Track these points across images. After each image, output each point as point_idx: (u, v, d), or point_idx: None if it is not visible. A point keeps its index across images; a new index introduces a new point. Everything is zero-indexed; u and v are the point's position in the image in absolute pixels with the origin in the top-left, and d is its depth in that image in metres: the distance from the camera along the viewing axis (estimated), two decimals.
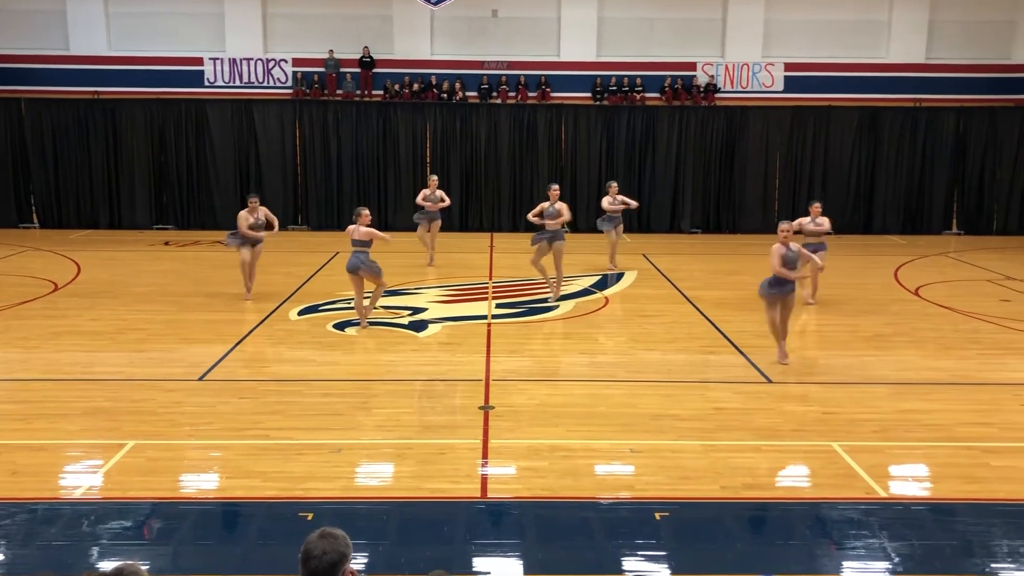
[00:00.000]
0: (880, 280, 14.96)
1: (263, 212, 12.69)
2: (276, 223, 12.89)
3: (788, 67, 27.61)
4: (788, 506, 6.48)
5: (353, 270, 10.99)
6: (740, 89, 27.63)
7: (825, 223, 12.43)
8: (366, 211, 11.21)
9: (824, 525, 6.23)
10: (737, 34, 27.47)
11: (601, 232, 15.46)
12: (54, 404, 8.38)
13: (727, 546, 5.95)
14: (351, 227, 11.10)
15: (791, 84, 27.38)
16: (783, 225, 9.82)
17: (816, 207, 12.52)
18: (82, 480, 6.77)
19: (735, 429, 7.92)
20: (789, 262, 9.62)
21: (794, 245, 9.79)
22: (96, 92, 24.79)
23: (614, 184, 15.34)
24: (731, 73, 27.69)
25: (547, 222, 12.57)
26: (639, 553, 5.79)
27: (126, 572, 2.76)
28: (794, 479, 7.08)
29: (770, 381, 9.34)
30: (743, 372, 9.71)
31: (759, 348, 10.53)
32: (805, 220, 12.41)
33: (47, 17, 27.63)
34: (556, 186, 13.06)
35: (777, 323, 9.86)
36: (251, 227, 12.44)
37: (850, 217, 20.35)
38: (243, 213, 12.53)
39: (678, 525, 6.18)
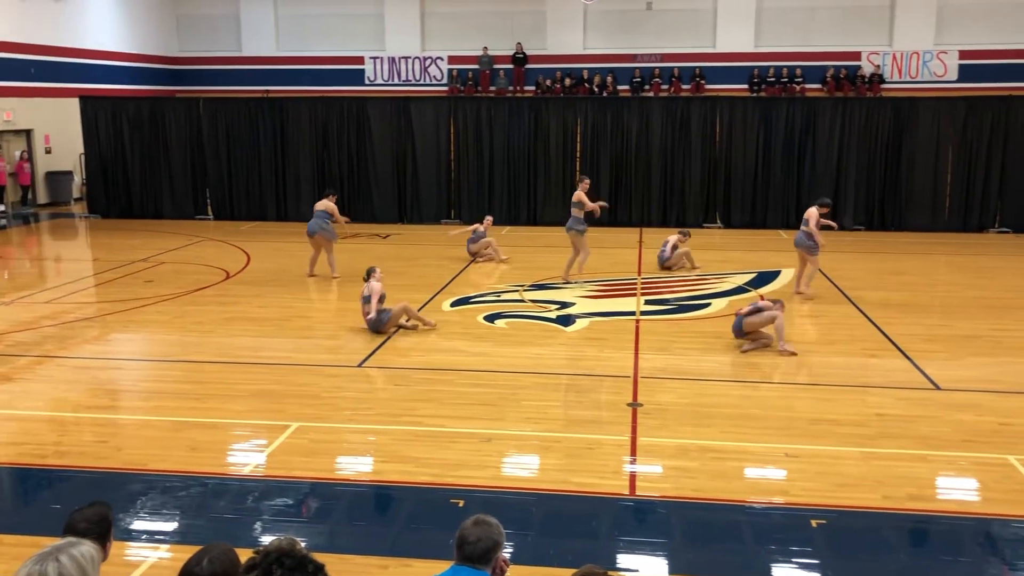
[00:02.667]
0: None
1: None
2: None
3: (963, 55, 26.03)
4: (956, 520, 6.10)
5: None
6: (909, 79, 26.27)
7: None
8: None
9: (996, 543, 5.84)
10: (907, 21, 26.09)
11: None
12: (225, 385, 8.91)
13: (889, 558, 5.66)
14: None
15: (966, 73, 25.78)
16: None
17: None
18: (250, 458, 7.17)
19: (898, 436, 7.52)
20: None
21: None
22: (265, 91, 26.23)
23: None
24: (899, 62, 26.36)
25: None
26: (793, 560, 5.60)
27: (284, 548, 2.90)
28: (964, 492, 6.66)
29: (938, 388, 8.82)
30: (907, 377, 9.21)
31: (926, 353, 9.97)
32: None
33: (223, 21, 29.47)
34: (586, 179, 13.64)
35: None
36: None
37: None
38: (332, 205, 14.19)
39: (836, 534, 5.94)
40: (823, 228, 12.65)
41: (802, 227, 12.60)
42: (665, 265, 14.73)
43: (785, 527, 5.99)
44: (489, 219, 16.50)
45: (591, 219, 13.28)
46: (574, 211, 13.06)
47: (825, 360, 9.81)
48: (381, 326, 10.72)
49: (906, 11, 26.16)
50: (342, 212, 15.12)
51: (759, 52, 26.98)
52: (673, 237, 14.98)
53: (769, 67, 26.72)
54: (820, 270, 13.06)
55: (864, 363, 9.77)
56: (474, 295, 12.90)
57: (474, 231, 15.85)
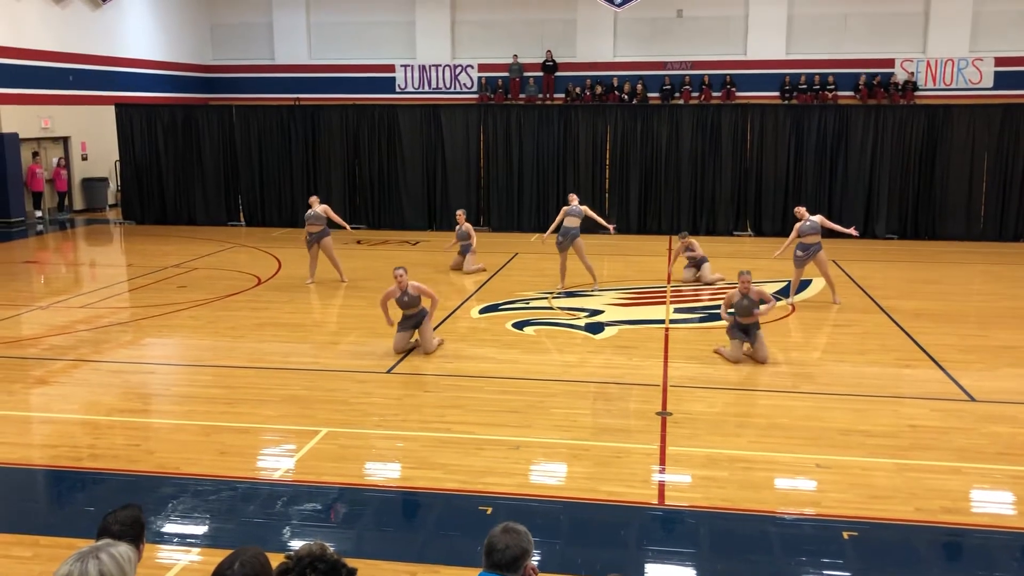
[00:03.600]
0: None
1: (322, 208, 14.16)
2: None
3: (999, 62, 25.70)
4: (992, 534, 5.99)
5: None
6: (943, 86, 25.95)
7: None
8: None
9: None
10: (941, 27, 25.80)
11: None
12: (256, 390, 8.99)
13: (922, 571, 5.58)
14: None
15: (1002, 80, 25.44)
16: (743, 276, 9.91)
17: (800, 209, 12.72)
18: (280, 463, 7.22)
19: (932, 448, 7.42)
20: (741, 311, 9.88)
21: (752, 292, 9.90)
22: (297, 99, 26.47)
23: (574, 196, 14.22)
24: (933, 69, 26.05)
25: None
26: (824, 572, 5.53)
27: (316, 552, 2.92)
28: (1000, 506, 6.55)
29: (973, 399, 8.69)
30: (941, 388, 9.09)
31: (961, 363, 9.83)
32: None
33: (256, 29, 29.81)
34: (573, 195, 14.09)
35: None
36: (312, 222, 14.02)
37: None
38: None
39: (868, 546, 5.86)
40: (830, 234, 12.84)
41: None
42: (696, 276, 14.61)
43: (816, 539, 5.92)
44: (460, 213, 15.63)
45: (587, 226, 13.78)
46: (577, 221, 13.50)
47: (857, 370, 9.70)
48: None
49: (941, 18, 25.87)
50: (372, 221, 15.21)
51: (791, 59, 26.80)
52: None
53: (801, 74, 26.53)
54: (852, 279, 12.95)
55: (897, 373, 9.65)
56: (503, 302, 12.91)
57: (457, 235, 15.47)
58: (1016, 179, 18.68)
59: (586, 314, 12.20)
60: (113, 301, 13.24)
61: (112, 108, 21.96)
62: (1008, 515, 6.36)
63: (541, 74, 27.89)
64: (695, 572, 5.60)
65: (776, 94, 26.32)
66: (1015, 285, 14.50)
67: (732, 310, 9.98)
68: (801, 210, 12.77)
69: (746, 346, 9.98)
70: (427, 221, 20.65)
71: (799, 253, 12.57)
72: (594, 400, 8.91)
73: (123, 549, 2.89)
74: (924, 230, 19.11)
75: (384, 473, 7.12)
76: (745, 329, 9.96)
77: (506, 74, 28.09)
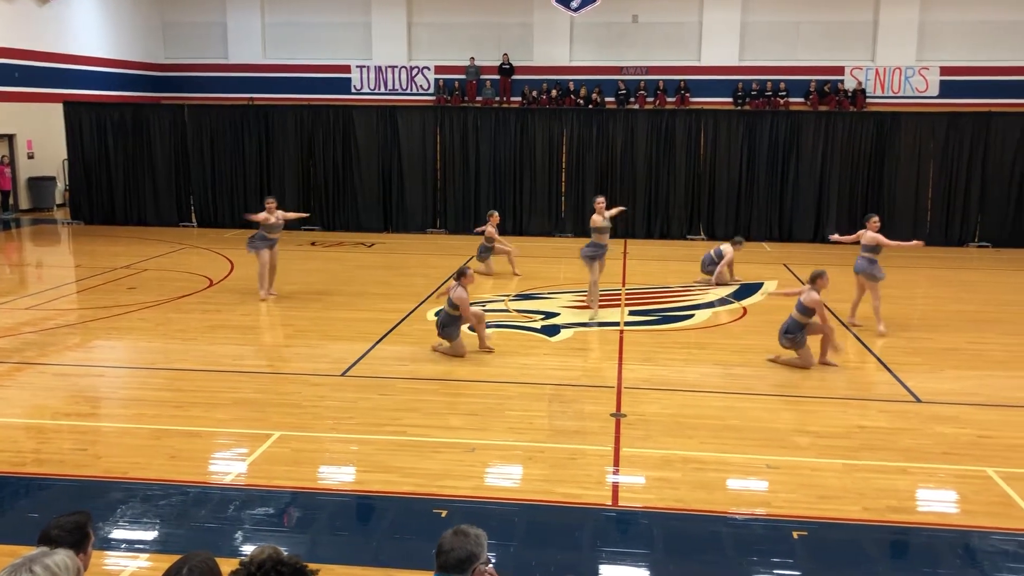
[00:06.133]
0: None
1: (280, 214, 13.03)
2: (292, 216, 13.94)
3: (944, 71, 26.35)
4: (936, 532, 6.13)
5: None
6: (891, 94, 26.54)
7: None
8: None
9: (976, 555, 5.87)
10: (889, 37, 26.38)
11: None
12: (207, 393, 8.86)
13: (868, 570, 5.69)
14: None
15: (947, 89, 26.08)
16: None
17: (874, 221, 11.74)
18: (231, 467, 7.13)
19: (879, 449, 7.57)
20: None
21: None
22: (251, 98, 26.17)
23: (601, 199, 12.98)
24: (882, 77, 26.62)
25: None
26: (774, 572, 5.61)
27: (275, 556, 2.89)
28: (944, 504, 6.70)
29: (919, 400, 8.88)
30: (889, 390, 9.28)
31: (908, 366, 10.05)
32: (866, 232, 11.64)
33: (210, 28, 29.43)
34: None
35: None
36: (269, 228, 12.81)
37: (1011, 230, 19.11)
38: (263, 215, 12.91)
39: (817, 545, 5.96)
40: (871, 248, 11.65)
41: (864, 252, 11.62)
42: (707, 271, 14.68)
43: (766, 539, 6.01)
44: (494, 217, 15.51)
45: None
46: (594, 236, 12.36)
47: (807, 372, 9.86)
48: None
49: (889, 27, 26.46)
50: (327, 223, 14.98)
51: (744, 66, 27.19)
52: (724, 246, 14.85)
53: (753, 81, 26.93)
54: (803, 283, 13.07)
55: (846, 375, 9.83)
56: None
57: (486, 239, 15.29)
58: (960, 185, 19.16)
59: (542, 316, 12.24)
60: (60, 303, 12.96)
61: (60, 106, 21.51)
62: (952, 513, 6.51)
63: (498, 77, 27.94)
64: (648, 573, 5.65)
65: (729, 100, 26.67)
66: (959, 289, 14.86)
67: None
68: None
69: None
70: (383, 223, 20.55)
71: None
72: (550, 402, 8.94)
73: (59, 558, 2.80)
74: None
75: (338, 477, 7.07)
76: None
77: (463, 76, 28.08)
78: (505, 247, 15.37)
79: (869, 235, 11.60)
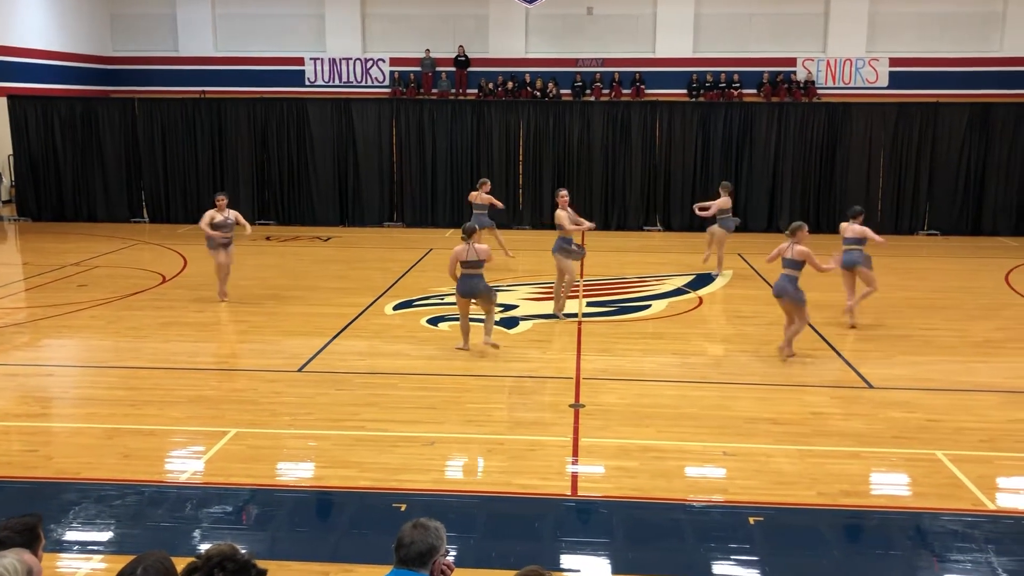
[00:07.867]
0: (991, 283, 14.33)
1: (232, 213, 12.35)
2: (247, 225, 12.44)
3: (893, 62, 26.79)
4: (888, 515, 6.27)
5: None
6: (842, 85, 26.93)
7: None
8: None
9: (926, 536, 6.01)
10: (840, 28, 26.76)
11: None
12: (162, 391, 8.73)
13: (823, 553, 5.80)
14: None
15: (896, 80, 26.53)
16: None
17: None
18: (187, 465, 7.04)
19: (833, 434, 7.71)
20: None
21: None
22: (202, 91, 25.75)
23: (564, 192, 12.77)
24: (833, 69, 27.00)
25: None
26: (732, 557, 5.69)
27: (226, 552, 2.87)
28: (895, 487, 6.85)
29: (871, 386, 9.06)
30: (842, 376, 9.44)
31: (860, 352, 10.23)
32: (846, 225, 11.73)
33: (159, 20, 28.90)
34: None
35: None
36: (218, 226, 12.08)
37: (958, 218, 19.52)
38: (210, 212, 12.19)
39: (773, 530, 6.06)
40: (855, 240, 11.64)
41: (853, 245, 11.56)
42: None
43: (724, 525, 6.09)
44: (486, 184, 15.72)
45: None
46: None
47: (761, 360, 9.99)
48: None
49: (839, 19, 26.82)
50: (281, 217, 14.66)
51: (698, 58, 27.39)
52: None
53: (707, 72, 27.15)
54: (757, 271, 13.26)
55: (800, 363, 9.97)
56: (417, 298, 12.85)
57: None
58: (910, 175, 19.51)
59: (500, 309, 12.23)
60: (8, 301, 12.67)
61: (3, 100, 20.97)
62: (903, 496, 6.66)
63: (454, 69, 27.83)
64: (608, 562, 5.69)
65: (684, 91, 26.86)
66: (909, 277, 15.15)
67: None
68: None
69: None
70: (339, 217, 20.38)
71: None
72: (509, 394, 8.96)
73: (7, 561, 2.77)
74: (825, 224, 19.74)
75: (296, 473, 7.02)
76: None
77: (418, 69, 27.92)
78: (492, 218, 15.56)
79: (856, 228, 11.62)
